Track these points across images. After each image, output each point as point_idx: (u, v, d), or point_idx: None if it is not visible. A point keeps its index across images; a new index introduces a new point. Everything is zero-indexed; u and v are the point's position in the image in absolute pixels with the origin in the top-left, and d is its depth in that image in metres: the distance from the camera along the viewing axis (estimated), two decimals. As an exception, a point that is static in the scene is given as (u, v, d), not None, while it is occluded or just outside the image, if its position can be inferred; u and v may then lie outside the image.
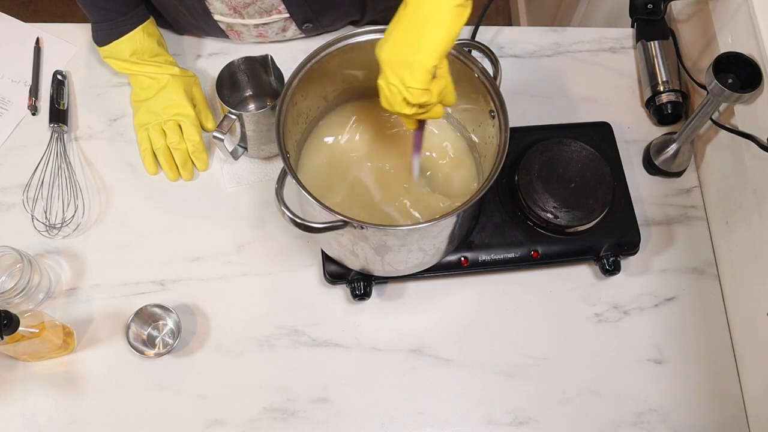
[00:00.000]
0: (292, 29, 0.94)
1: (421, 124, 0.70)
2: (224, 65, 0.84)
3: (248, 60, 0.85)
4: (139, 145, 0.89)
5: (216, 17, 0.89)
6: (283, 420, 0.80)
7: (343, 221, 0.65)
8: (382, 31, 0.74)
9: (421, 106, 0.62)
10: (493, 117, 0.74)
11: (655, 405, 0.83)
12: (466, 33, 1.00)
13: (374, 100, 0.86)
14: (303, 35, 0.97)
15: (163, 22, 0.95)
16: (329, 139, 0.85)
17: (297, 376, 0.82)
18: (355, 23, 1.00)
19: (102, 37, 0.87)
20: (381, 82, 0.63)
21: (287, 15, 0.90)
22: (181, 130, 0.88)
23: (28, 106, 0.92)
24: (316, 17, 0.92)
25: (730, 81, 0.78)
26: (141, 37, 0.87)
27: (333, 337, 0.84)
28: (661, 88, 0.94)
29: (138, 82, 0.89)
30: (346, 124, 0.86)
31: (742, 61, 0.78)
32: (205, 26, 0.92)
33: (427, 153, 0.84)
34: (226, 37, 0.96)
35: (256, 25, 0.91)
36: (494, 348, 0.85)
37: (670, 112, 0.94)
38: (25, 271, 0.78)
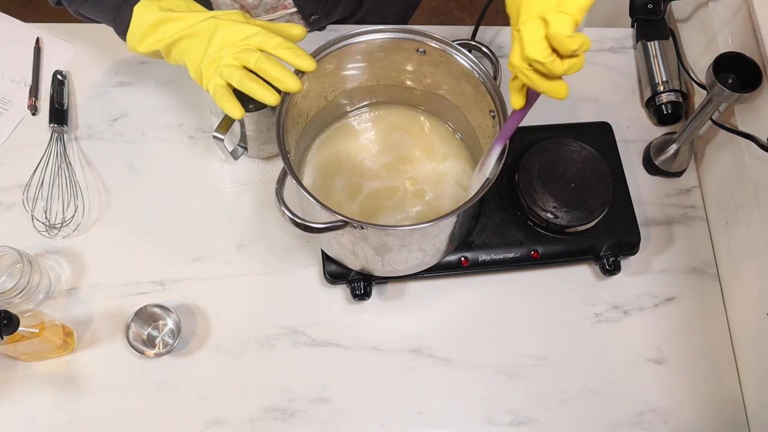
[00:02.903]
0: (296, 23, 0.94)
1: (528, 102, 0.62)
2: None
3: (248, 60, 0.85)
4: (214, 96, 0.71)
5: None
6: (283, 420, 0.80)
7: (343, 221, 0.65)
8: (381, 31, 0.75)
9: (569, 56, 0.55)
10: (493, 117, 0.74)
11: (655, 405, 0.83)
12: (466, 33, 1.00)
13: (375, 100, 0.87)
14: (306, 29, 0.97)
15: None
16: (329, 139, 0.85)
17: (297, 376, 0.82)
18: (355, 13, 0.99)
19: (123, 22, 0.74)
20: (528, 27, 0.55)
21: (293, 9, 0.89)
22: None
23: (28, 106, 0.92)
24: (323, 7, 0.91)
25: (730, 81, 0.78)
26: None
27: (333, 337, 0.84)
28: (661, 88, 0.94)
29: (181, 48, 0.72)
30: (346, 124, 0.86)
31: (742, 61, 0.78)
32: None
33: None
34: None
35: None
36: (494, 348, 0.85)
37: (670, 112, 0.94)
38: (25, 271, 0.78)
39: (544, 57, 0.54)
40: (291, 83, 0.69)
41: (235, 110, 0.70)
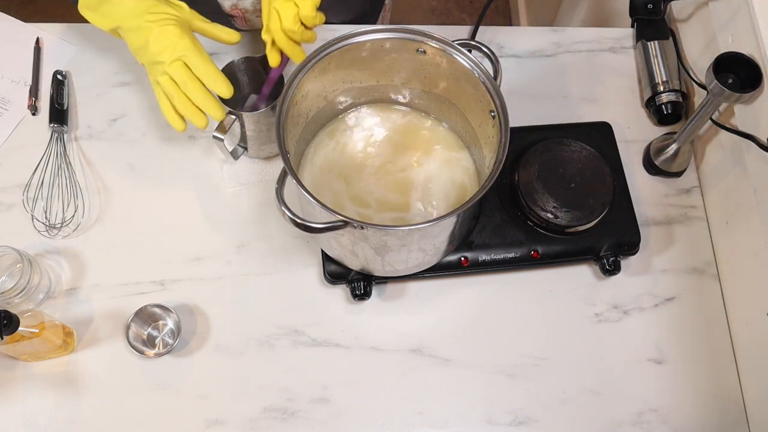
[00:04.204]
0: None
1: (282, 62, 0.78)
2: (224, 65, 0.84)
3: (248, 60, 0.85)
4: (159, 103, 0.77)
5: None
6: (283, 420, 0.80)
7: (343, 221, 0.65)
8: (381, 31, 0.75)
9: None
10: (493, 117, 0.74)
11: (655, 405, 0.83)
12: (466, 33, 1.00)
13: (376, 100, 0.87)
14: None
15: None
16: (329, 139, 0.85)
17: (297, 376, 0.82)
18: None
19: None
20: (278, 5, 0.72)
21: None
22: (190, 68, 0.76)
23: (28, 106, 0.92)
24: None
25: (730, 81, 0.78)
26: None
27: (333, 337, 0.84)
28: (661, 88, 0.94)
29: (128, 37, 0.77)
30: (347, 124, 0.86)
31: (742, 61, 0.78)
32: (207, 11, 0.90)
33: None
34: (230, 24, 0.94)
35: None
36: (494, 348, 0.85)
37: (670, 112, 0.94)
38: (25, 271, 0.78)
39: (297, 28, 0.73)
40: (211, 114, 0.76)
41: (176, 125, 0.77)
